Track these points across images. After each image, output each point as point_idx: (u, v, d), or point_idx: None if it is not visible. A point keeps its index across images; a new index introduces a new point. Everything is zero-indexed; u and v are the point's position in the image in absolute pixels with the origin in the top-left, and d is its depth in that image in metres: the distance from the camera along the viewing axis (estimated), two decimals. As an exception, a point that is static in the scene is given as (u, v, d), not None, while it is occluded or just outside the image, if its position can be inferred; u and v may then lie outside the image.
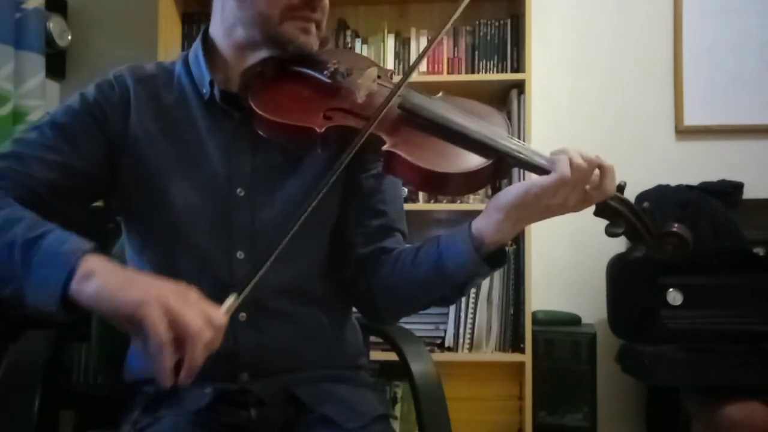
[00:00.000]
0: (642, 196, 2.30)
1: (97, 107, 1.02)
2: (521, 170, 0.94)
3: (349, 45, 2.39)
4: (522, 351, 2.18)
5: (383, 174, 1.07)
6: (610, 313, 2.22)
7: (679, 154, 2.48)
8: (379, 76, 1.03)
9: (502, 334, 2.24)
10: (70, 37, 2.59)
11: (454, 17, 0.99)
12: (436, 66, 2.34)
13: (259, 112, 0.97)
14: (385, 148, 0.92)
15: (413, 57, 2.38)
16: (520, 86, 2.25)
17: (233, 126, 1.05)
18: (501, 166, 0.93)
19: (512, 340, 2.23)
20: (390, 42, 2.39)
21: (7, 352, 1.11)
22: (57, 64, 2.56)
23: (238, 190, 1.03)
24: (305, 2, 0.99)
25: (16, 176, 0.94)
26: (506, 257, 0.98)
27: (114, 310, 0.78)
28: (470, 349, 2.23)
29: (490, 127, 0.95)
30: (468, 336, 2.23)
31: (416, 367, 1.17)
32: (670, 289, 1.96)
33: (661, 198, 2.29)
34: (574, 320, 2.33)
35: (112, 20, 2.66)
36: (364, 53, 2.34)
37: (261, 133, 0.99)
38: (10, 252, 0.84)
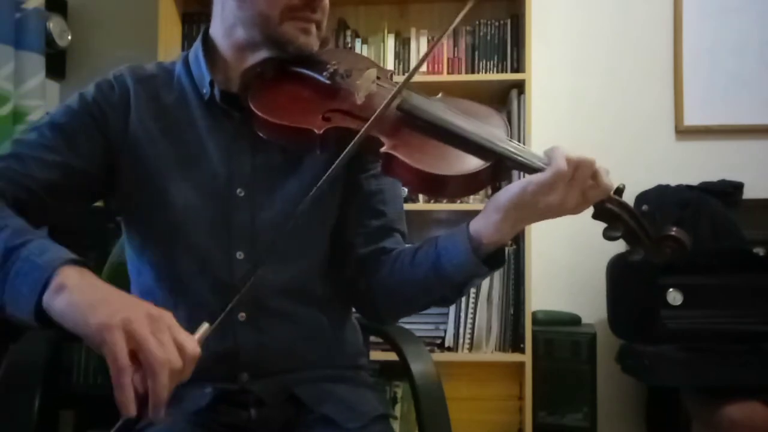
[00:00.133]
0: (642, 197, 2.30)
1: (96, 107, 1.02)
2: (521, 173, 0.93)
3: (349, 45, 2.39)
4: (522, 351, 2.18)
5: (383, 174, 1.08)
6: (610, 313, 2.22)
7: (679, 154, 2.48)
8: (378, 77, 1.03)
9: (502, 334, 2.24)
10: (70, 37, 2.59)
11: (456, 22, 0.99)
12: (436, 66, 2.34)
13: (258, 114, 0.97)
14: (383, 149, 0.92)
15: (413, 57, 2.38)
16: (520, 86, 2.25)
17: (233, 126, 1.05)
18: (500, 168, 0.92)
19: (512, 340, 2.23)
20: (390, 42, 2.39)
21: (7, 352, 1.11)
22: (57, 64, 2.56)
23: (238, 190, 1.03)
24: (305, 3, 0.99)
25: (16, 177, 0.94)
26: (505, 258, 0.98)
27: (79, 330, 0.75)
28: (470, 349, 2.23)
29: (488, 129, 0.95)
30: (468, 336, 2.23)
31: (416, 367, 1.17)
32: (670, 289, 1.96)
33: (661, 198, 2.29)
34: (574, 320, 2.33)
35: (112, 20, 2.66)
36: (364, 53, 2.34)
37: (260, 134, 0.99)
38: None
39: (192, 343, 0.75)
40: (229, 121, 1.05)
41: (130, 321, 0.72)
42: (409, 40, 2.40)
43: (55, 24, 2.48)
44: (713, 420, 1.88)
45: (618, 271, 2.20)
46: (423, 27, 2.41)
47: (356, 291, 1.10)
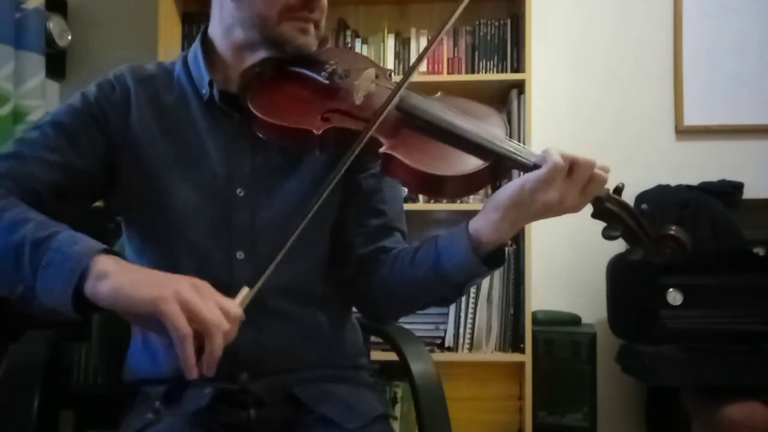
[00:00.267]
0: (642, 196, 2.30)
1: (97, 107, 1.02)
2: (521, 172, 0.93)
3: (349, 45, 2.39)
4: (522, 351, 2.18)
5: (382, 175, 1.08)
6: (610, 313, 2.22)
7: (679, 154, 2.48)
8: (377, 76, 1.03)
9: (502, 334, 2.24)
10: (70, 37, 2.59)
11: (451, 21, 0.99)
12: (436, 66, 2.34)
13: (257, 115, 0.97)
14: (382, 150, 0.92)
15: (413, 57, 2.38)
16: (520, 86, 2.25)
17: (233, 126, 1.05)
18: (499, 167, 0.92)
19: (512, 340, 2.23)
20: (390, 42, 2.39)
21: (7, 352, 1.11)
22: (57, 64, 2.56)
23: (238, 190, 1.03)
24: (303, 3, 0.99)
25: (18, 177, 0.94)
26: (505, 257, 0.98)
27: (132, 308, 0.79)
28: (470, 349, 2.23)
29: (487, 128, 0.95)
30: (468, 336, 2.23)
31: (416, 367, 1.17)
32: (670, 289, 1.96)
33: (661, 198, 2.29)
34: (574, 320, 2.33)
35: (112, 20, 2.66)
36: (364, 53, 2.34)
37: (260, 135, 0.99)
38: (20, 252, 0.84)
39: (235, 306, 0.81)
40: (228, 121, 1.05)
41: (179, 291, 0.78)
42: (409, 40, 2.40)
43: (55, 24, 2.48)
44: (713, 420, 1.88)
45: (618, 271, 2.20)
46: (423, 27, 2.41)
47: (356, 291, 1.10)
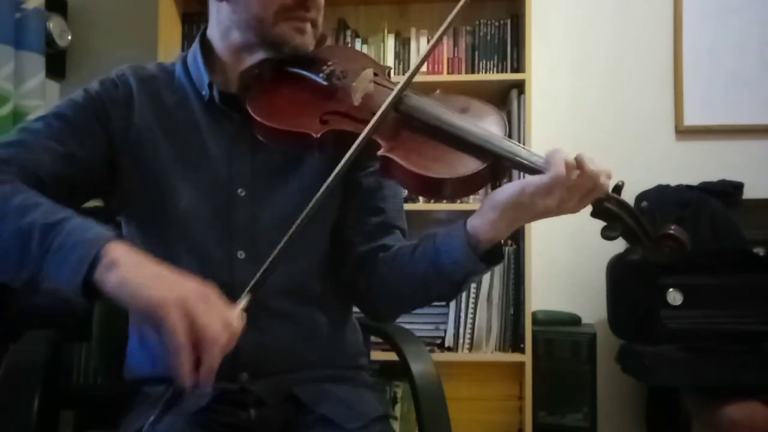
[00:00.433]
0: (642, 196, 2.30)
1: (99, 103, 1.03)
2: (520, 172, 0.93)
3: (349, 45, 2.38)
4: (522, 351, 2.18)
5: (381, 177, 1.08)
6: (610, 313, 2.22)
7: (679, 154, 2.48)
8: (376, 74, 1.03)
9: (502, 334, 2.24)
10: (70, 37, 2.59)
11: (447, 23, 0.99)
12: (436, 66, 2.34)
13: (257, 118, 0.97)
14: (380, 152, 0.92)
15: (413, 57, 2.38)
16: (520, 86, 2.25)
17: (233, 127, 1.05)
18: (498, 168, 0.92)
19: (512, 340, 2.23)
20: (390, 42, 2.39)
21: (7, 352, 1.11)
22: (57, 64, 2.56)
23: (239, 190, 1.03)
24: (299, 2, 0.99)
25: (23, 163, 0.94)
26: (503, 254, 0.98)
27: (135, 305, 0.79)
28: (470, 349, 2.23)
29: (486, 128, 0.95)
30: (468, 336, 2.23)
31: (416, 367, 1.17)
32: (670, 289, 1.96)
33: (661, 198, 2.29)
34: (574, 320, 2.33)
35: (112, 20, 2.66)
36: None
37: (259, 137, 0.99)
38: (29, 236, 0.83)
39: (237, 319, 0.81)
40: (228, 122, 1.05)
41: (185, 299, 0.77)
42: (409, 40, 2.40)
43: (55, 24, 2.48)
44: (713, 420, 1.88)
45: (618, 271, 2.20)
46: (423, 27, 2.41)
47: (356, 290, 1.10)
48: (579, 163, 0.87)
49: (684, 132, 2.49)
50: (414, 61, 2.38)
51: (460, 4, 0.98)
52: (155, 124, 1.04)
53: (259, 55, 1.03)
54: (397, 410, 2.21)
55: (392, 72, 1.10)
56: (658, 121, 2.50)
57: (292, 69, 1.03)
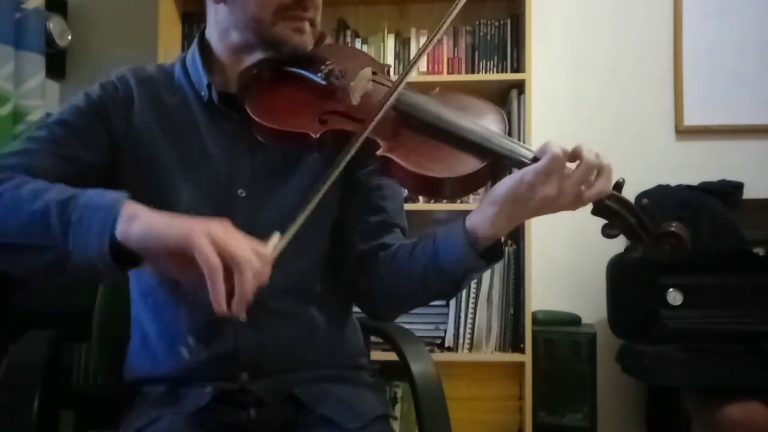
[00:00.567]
0: (642, 196, 2.30)
1: (101, 106, 1.03)
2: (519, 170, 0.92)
3: (349, 45, 2.38)
4: (522, 351, 2.18)
5: (380, 177, 1.08)
6: (610, 313, 2.22)
7: (679, 154, 2.48)
8: (374, 73, 1.03)
9: (502, 334, 2.24)
10: (70, 37, 2.59)
11: (442, 26, 0.99)
12: (436, 66, 2.34)
13: (255, 119, 0.97)
14: (379, 152, 0.91)
15: (414, 55, 2.38)
16: (520, 86, 2.25)
17: (232, 127, 1.05)
18: (497, 167, 0.92)
19: (512, 340, 2.23)
20: (390, 42, 2.38)
21: (7, 352, 1.11)
22: (57, 64, 2.56)
23: (239, 190, 1.04)
24: (297, 2, 0.99)
25: (29, 169, 0.94)
26: (503, 252, 0.97)
27: (163, 245, 0.80)
28: (470, 349, 2.23)
29: (486, 126, 0.95)
30: (468, 336, 2.22)
31: (416, 367, 1.17)
32: (670, 289, 1.96)
33: (661, 198, 2.29)
34: (574, 320, 2.32)
35: (112, 20, 2.66)
36: (364, 53, 2.34)
37: (259, 138, 0.99)
38: (47, 216, 0.84)
39: (264, 247, 0.82)
40: (228, 122, 1.05)
41: (209, 228, 0.80)
42: (409, 40, 2.40)
43: (55, 24, 2.48)
44: (713, 420, 1.88)
45: (618, 271, 2.20)
46: (423, 27, 2.41)
47: (356, 289, 1.10)
48: (577, 153, 0.87)
49: (684, 132, 2.48)
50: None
51: (455, 6, 0.98)
52: (155, 125, 1.04)
53: (257, 56, 1.03)
54: (397, 410, 2.21)
55: (391, 70, 1.10)
56: (658, 121, 2.50)
57: (290, 69, 1.03)
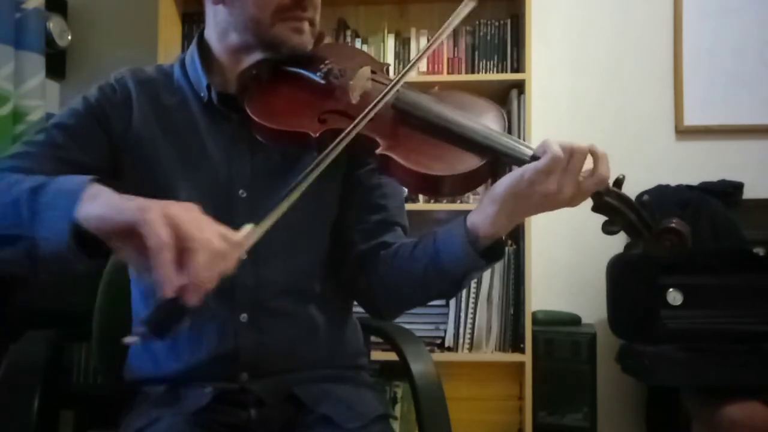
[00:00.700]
0: (642, 194, 2.30)
1: (99, 108, 1.03)
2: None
3: (349, 45, 2.38)
4: (522, 351, 2.18)
5: (380, 175, 1.08)
6: (610, 313, 2.22)
7: (679, 154, 2.48)
8: (373, 72, 1.03)
9: (502, 334, 2.24)
10: (70, 37, 2.59)
11: (443, 30, 0.99)
12: (436, 66, 2.34)
13: (255, 119, 0.97)
14: (379, 151, 0.91)
15: (413, 57, 2.38)
16: (520, 86, 2.25)
17: (232, 128, 1.05)
18: (497, 164, 0.92)
19: (512, 340, 2.23)
20: (390, 42, 2.39)
21: (7, 352, 1.11)
22: (57, 64, 2.56)
23: (240, 191, 1.04)
24: (295, 2, 0.99)
25: (27, 172, 0.94)
26: (504, 251, 0.97)
27: (116, 223, 0.76)
28: (470, 349, 2.23)
29: (485, 124, 0.94)
30: (468, 336, 2.23)
31: (416, 367, 1.17)
32: (670, 289, 1.96)
33: (661, 198, 2.29)
34: (574, 320, 2.33)
35: (112, 20, 2.66)
36: (364, 53, 2.34)
37: (258, 138, 0.99)
38: (17, 205, 0.83)
39: (235, 233, 0.77)
40: (227, 122, 1.05)
41: (168, 207, 0.75)
42: (409, 40, 2.40)
43: (55, 24, 2.48)
44: (713, 420, 1.88)
45: (618, 271, 2.20)
46: (423, 27, 2.41)
47: (357, 288, 1.10)
48: (572, 148, 0.86)
49: (684, 132, 2.48)
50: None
51: (455, 15, 0.98)
52: (155, 125, 1.04)
53: (256, 56, 1.03)
54: (397, 410, 2.21)
55: (391, 69, 1.10)
56: (658, 121, 2.50)
57: (289, 68, 1.03)
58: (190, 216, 0.76)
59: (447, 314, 2.24)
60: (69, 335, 1.34)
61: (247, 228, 0.79)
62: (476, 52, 2.35)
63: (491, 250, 0.93)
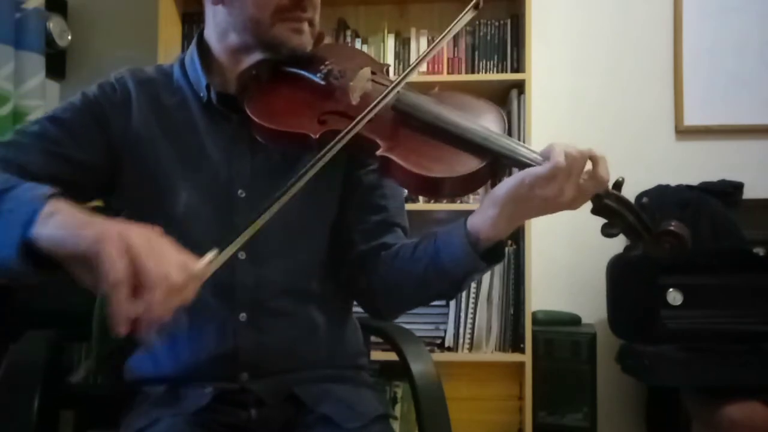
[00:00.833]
0: (642, 196, 2.30)
1: (97, 106, 1.03)
2: (520, 170, 0.92)
3: (349, 45, 2.38)
4: (522, 351, 2.18)
5: (380, 177, 1.08)
6: (610, 313, 2.22)
7: (679, 154, 2.48)
8: (374, 73, 1.03)
9: (502, 334, 2.24)
10: (70, 37, 2.59)
11: (444, 37, 0.99)
12: (436, 66, 2.34)
13: (255, 120, 0.97)
14: (379, 152, 0.91)
15: (413, 57, 2.38)
16: (520, 86, 2.25)
17: (231, 128, 1.05)
18: (497, 166, 0.92)
19: (512, 340, 2.23)
20: (390, 42, 2.39)
21: (7, 352, 1.11)
22: (57, 64, 2.56)
23: (239, 191, 1.03)
24: (295, 2, 0.99)
25: (16, 162, 0.94)
26: (504, 253, 0.97)
27: (70, 248, 0.73)
28: (470, 349, 2.23)
29: (485, 125, 0.94)
30: (468, 336, 2.23)
31: (416, 367, 1.17)
32: (670, 289, 1.96)
33: (661, 198, 2.29)
34: (574, 320, 2.33)
35: (112, 20, 2.66)
36: (364, 53, 2.34)
37: (258, 138, 0.99)
38: None
39: (195, 263, 0.74)
40: (227, 123, 1.05)
41: (127, 234, 0.71)
42: (409, 40, 2.40)
43: (55, 24, 2.48)
44: (713, 420, 1.88)
45: (618, 271, 2.20)
46: (423, 27, 2.41)
47: (357, 288, 1.10)
48: (571, 156, 0.86)
49: (684, 132, 2.48)
50: (414, 61, 2.38)
51: (456, 21, 0.98)
52: (155, 125, 1.04)
53: (256, 56, 1.03)
54: (397, 410, 2.21)
55: (391, 69, 1.09)
56: (658, 121, 2.50)
57: (289, 69, 1.03)
58: (149, 246, 0.71)
59: (447, 314, 2.24)
60: (69, 335, 1.34)
61: (210, 255, 0.77)
62: (476, 52, 2.35)
63: (492, 252, 0.93)
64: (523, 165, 0.89)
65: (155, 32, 2.28)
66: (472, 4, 1.02)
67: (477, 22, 2.35)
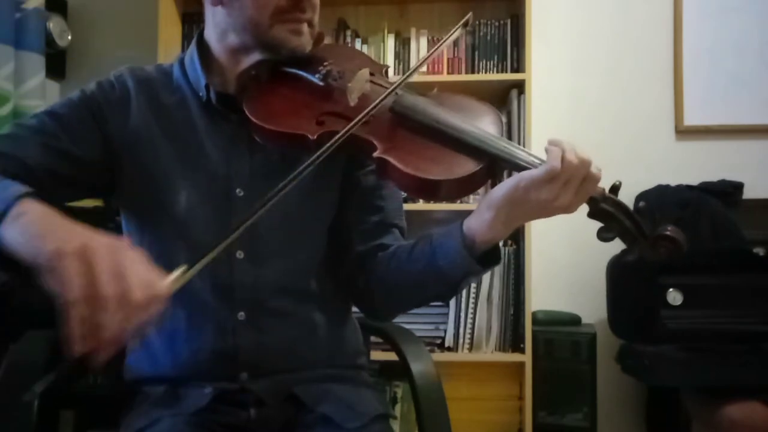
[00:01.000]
0: (642, 197, 2.30)
1: (95, 103, 1.03)
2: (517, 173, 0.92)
3: (349, 45, 2.38)
4: (522, 351, 2.18)
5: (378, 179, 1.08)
6: (610, 313, 2.22)
7: (679, 154, 2.48)
8: (372, 74, 1.03)
9: (502, 334, 2.24)
10: (70, 37, 2.59)
11: (449, 36, 0.99)
12: (436, 66, 2.34)
13: (253, 120, 0.97)
14: (376, 154, 0.91)
15: (413, 57, 2.39)
16: (520, 86, 2.25)
17: (231, 128, 1.05)
18: (494, 169, 0.92)
19: (512, 340, 2.23)
20: (390, 42, 2.39)
21: (7, 352, 1.11)
22: (57, 64, 2.56)
23: (238, 190, 1.03)
24: (294, 3, 0.99)
25: (13, 155, 0.94)
26: (500, 256, 0.97)
27: (32, 257, 0.71)
28: (470, 349, 2.23)
29: (482, 127, 0.94)
30: (468, 336, 2.23)
31: (416, 367, 1.17)
32: (670, 289, 1.96)
33: (661, 198, 2.29)
34: (574, 320, 2.33)
35: (112, 20, 2.66)
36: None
37: (257, 139, 0.99)
38: None
39: (160, 281, 0.70)
40: (226, 122, 1.05)
41: (87, 248, 0.67)
42: (409, 40, 2.40)
43: (55, 24, 2.48)
44: (713, 420, 1.88)
45: (618, 271, 2.20)
46: (423, 27, 2.41)
47: (355, 289, 1.10)
48: (567, 160, 0.85)
49: (684, 132, 2.48)
50: (414, 61, 2.38)
51: (454, 30, 0.98)
52: (154, 124, 1.04)
53: (255, 57, 1.03)
54: (397, 410, 2.21)
55: (391, 71, 1.09)
56: (658, 121, 2.50)
57: (288, 69, 1.03)
58: (112, 262, 0.67)
59: (447, 314, 2.24)
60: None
61: (178, 271, 0.74)
62: (476, 52, 2.35)
63: (488, 255, 0.94)
64: (520, 168, 0.89)
65: (155, 32, 2.28)
66: (461, 22, 1.03)
67: (477, 22, 2.35)
